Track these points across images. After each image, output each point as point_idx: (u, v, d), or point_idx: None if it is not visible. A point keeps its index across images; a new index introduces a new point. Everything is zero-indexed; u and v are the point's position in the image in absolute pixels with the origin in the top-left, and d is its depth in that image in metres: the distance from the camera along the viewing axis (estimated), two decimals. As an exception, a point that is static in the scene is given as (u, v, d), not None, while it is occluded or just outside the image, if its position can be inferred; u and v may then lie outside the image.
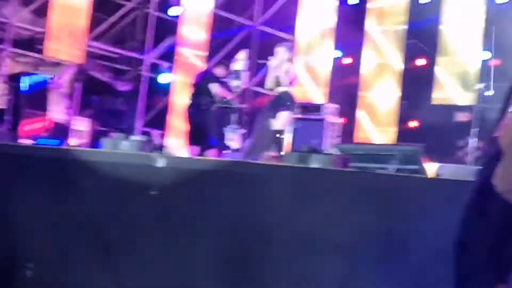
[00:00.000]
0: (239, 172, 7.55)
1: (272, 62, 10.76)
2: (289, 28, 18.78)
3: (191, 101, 13.03)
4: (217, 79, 12.90)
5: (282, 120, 10.28)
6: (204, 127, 12.54)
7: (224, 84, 12.96)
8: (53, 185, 8.41)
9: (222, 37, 18.29)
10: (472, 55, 16.51)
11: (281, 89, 10.50)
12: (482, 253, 1.78)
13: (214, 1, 17.47)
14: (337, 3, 18.33)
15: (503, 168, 1.76)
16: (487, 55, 15.85)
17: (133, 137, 8.91)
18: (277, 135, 10.09)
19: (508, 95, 1.96)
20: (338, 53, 18.34)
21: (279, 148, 10.20)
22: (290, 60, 10.87)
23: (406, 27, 17.34)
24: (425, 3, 17.12)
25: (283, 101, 10.47)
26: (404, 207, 6.39)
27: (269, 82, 10.84)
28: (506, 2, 16.09)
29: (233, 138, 13.99)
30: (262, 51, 17.85)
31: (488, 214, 1.79)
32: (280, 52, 10.80)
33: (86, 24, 15.27)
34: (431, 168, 8.22)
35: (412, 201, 6.35)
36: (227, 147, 13.12)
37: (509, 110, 1.89)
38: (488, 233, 1.80)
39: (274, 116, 10.40)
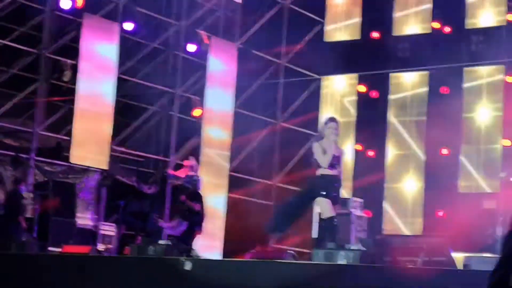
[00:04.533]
0: (264, 270, 7.54)
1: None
2: (311, 123, 18.91)
3: None
4: None
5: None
6: None
7: None
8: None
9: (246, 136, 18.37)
10: (494, 142, 16.54)
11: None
12: None
13: (235, 101, 17.63)
14: (356, 97, 18.52)
15: None
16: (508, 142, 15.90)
17: (160, 241, 8.96)
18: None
19: None
20: (360, 146, 18.33)
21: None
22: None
23: (426, 117, 17.42)
24: (443, 93, 17.21)
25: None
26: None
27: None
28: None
29: None
30: (286, 147, 18.02)
31: None
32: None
33: (110, 130, 15.40)
34: (458, 259, 8.15)
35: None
36: None
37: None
38: None
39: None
